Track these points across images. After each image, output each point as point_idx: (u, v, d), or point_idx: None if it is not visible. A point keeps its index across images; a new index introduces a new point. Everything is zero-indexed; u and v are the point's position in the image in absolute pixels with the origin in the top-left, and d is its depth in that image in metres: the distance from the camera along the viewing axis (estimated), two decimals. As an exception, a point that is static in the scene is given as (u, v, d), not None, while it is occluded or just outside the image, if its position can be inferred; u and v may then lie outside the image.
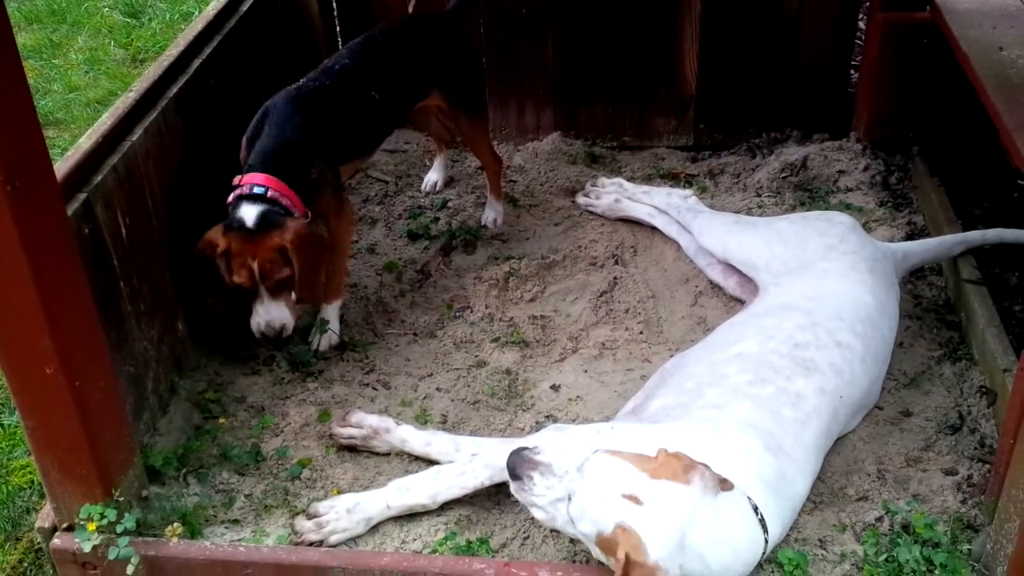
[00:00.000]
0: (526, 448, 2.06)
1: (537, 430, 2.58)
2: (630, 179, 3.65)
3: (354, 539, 2.31)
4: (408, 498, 2.33)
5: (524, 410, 2.70)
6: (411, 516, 2.34)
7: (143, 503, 2.28)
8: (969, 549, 2.20)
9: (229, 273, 2.59)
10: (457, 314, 3.07)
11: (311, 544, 2.27)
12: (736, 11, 3.62)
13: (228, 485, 2.45)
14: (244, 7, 3.25)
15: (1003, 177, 3.17)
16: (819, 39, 3.65)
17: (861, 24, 3.91)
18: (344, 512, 2.31)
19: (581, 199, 3.50)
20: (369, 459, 2.53)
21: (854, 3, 3.68)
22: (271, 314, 2.67)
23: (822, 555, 2.22)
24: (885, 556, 2.19)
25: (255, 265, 2.57)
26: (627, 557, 1.83)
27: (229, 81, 3.05)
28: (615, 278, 3.14)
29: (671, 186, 3.56)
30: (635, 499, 1.87)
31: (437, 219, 3.49)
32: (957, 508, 2.32)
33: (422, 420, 2.65)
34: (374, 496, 2.34)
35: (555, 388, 2.76)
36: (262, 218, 2.57)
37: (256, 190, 2.60)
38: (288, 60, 3.54)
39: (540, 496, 2.01)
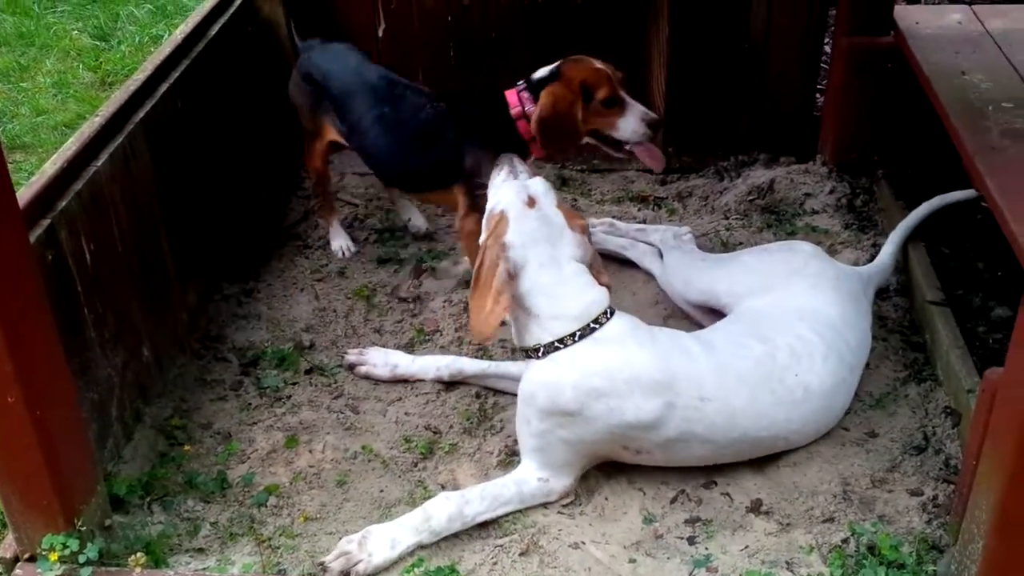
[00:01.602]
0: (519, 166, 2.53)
1: (506, 454, 2.59)
2: (599, 202, 3.68)
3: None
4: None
5: (493, 433, 2.70)
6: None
7: (106, 532, 2.26)
8: (934, 570, 2.21)
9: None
10: (427, 338, 3.06)
11: None
12: (703, 36, 3.66)
13: (193, 513, 2.43)
14: (213, 31, 3.25)
15: (966, 200, 3.21)
16: (785, 64, 3.70)
17: (827, 48, 3.96)
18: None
19: None
20: (338, 486, 2.52)
21: (819, 28, 3.73)
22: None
23: (789, 577, 2.23)
24: (851, 578, 2.21)
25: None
26: (496, 226, 2.39)
27: (197, 105, 3.05)
28: (584, 300, 3.14)
29: (639, 210, 3.58)
30: (530, 203, 2.39)
31: (407, 244, 3.49)
32: (923, 529, 2.34)
33: (403, 448, 2.64)
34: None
35: (524, 411, 2.76)
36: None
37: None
38: (258, 83, 3.54)
39: (497, 179, 2.52)
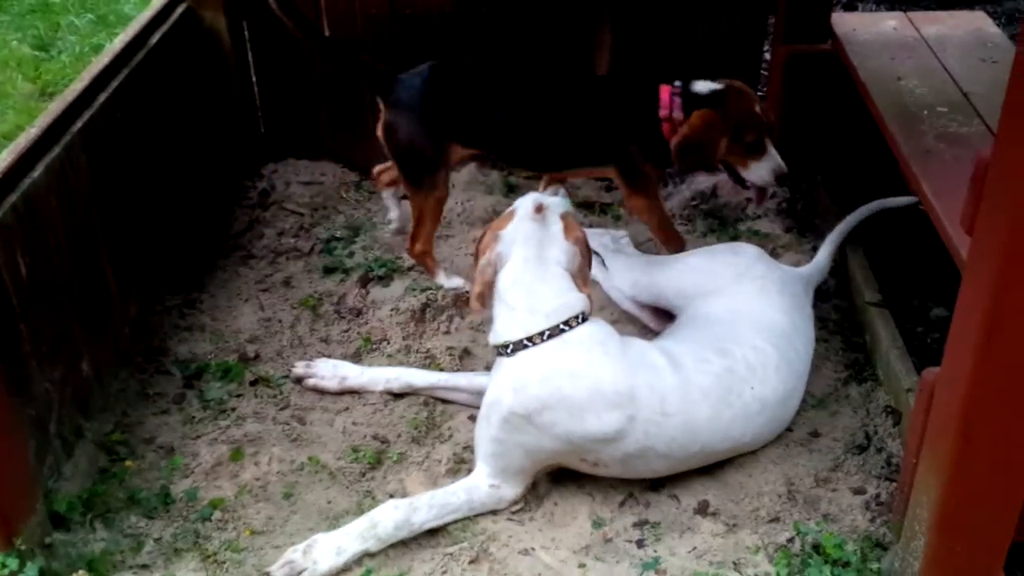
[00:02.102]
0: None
1: (455, 462, 2.58)
2: (546, 209, 3.69)
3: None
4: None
5: (442, 442, 2.69)
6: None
7: (47, 551, 2.21)
8: (878, 568, 2.25)
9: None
10: (374, 347, 3.05)
11: None
12: (645, 43, 3.69)
13: (136, 529, 2.39)
14: (153, 40, 3.21)
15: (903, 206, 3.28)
16: (725, 70, 3.73)
17: (766, 56, 4.02)
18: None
19: None
20: (284, 499, 2.49)
21: (758, 35, 3.78)
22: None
23: (736, 578, 2.25)
24: (797, 577, 2.23)
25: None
26: (501, 220, 2.55)
27: (138, 115, 3.01)
28: (532, 307, 3.15)
29: (585, 215, 3.60)
30: (538, 209, 2.49)
31: (353, 252, 3.47)
32: (866, 527, 2.37)
33: (350, 458, 2.62)
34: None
35: (473, 418, 2.75)
36: None
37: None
38: (200, 93, 3.50)
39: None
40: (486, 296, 2.49)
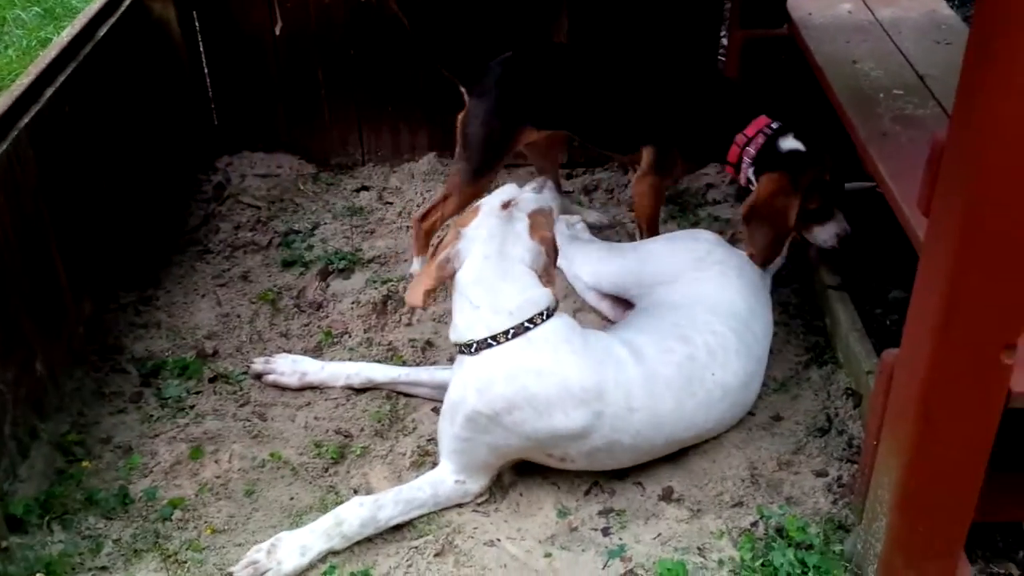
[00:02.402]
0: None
1: (419, 454, 2.57)
2: (506, 197, 3.67)
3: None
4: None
5: (405, 434, 2.67)
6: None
7: (3, 554, 2.17)
8: (841, 550, 2.26)
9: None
10: (335, 340, 3.02)
11: None
12: (603, 31, 3.68)
13: (95, 530, 2.35)
14: (101, 32, 3.14)
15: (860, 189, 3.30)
16: (683, 56, 3.73)
17: (724, 41, 4.03)
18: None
19: None
20: (246, 496, 2.46)
21: (715, 21, 3.78)
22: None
23: (701, 563, 2.26)
24: (761, 561, 2.24)
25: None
26: (465, 215, 2.51)
27: (87, 109, 2.94)
28: (494, 297, 3.13)
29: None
30: (504, 206, 2.44)
31: (312, 246, 3.43)
32: (828, 509, 2.39)
33: (313, 453, 2.59)
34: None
35: (437, 410, 2.73)
36: None
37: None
38: (151, 85, 3.44)
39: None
40: (434, 293, 2.44)
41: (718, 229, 3.32)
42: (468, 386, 2.35)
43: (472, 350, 2.36)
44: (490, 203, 2.49)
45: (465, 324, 2.39)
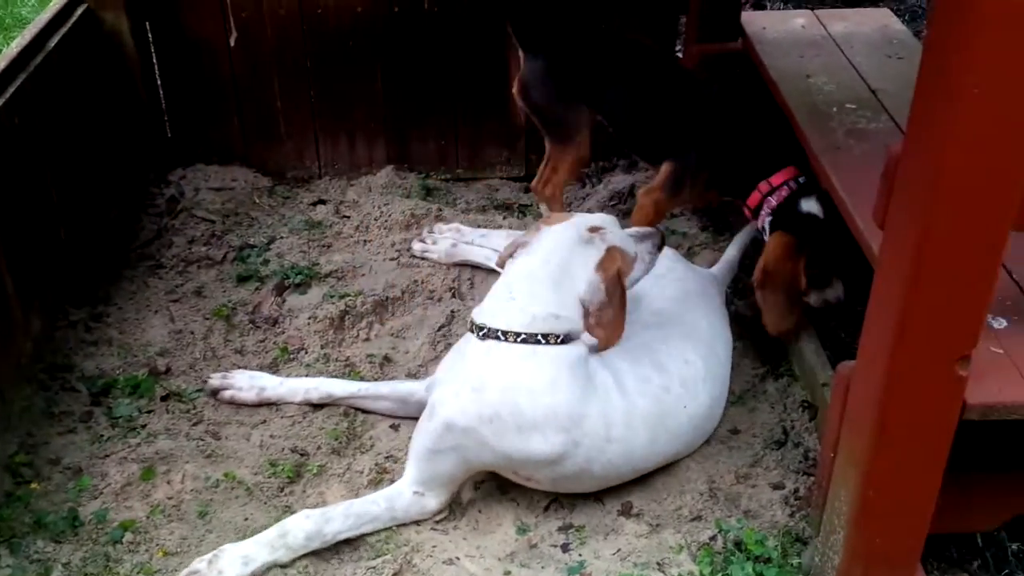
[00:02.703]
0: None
1: (377, 472, 2.53)
2: (465, 211, 3.66)
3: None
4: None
5: (363, 452, 2.64)
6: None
7: (-54, 582, 2.11)
8: (799, 563, 2.27)
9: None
10: (292, 356, 2.98)
11: None
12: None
13: (43, 554, 2.29)
14: (51, 43, 3.08)
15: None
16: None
17: (679, 55, 4.05)
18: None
19: (417, 246, 3.39)
20: (199, 517, 2.41)
21: (670, 35, 3.81)
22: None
23: (661, 578, 2.25)
24: (720, 574, 2.24)
25: None
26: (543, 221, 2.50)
27: (36, 121, 2.89)
28: (453, 311, 3.11)
29: (504, 218, 3.58)
30: (593, 229, 2.45)
31: (268, 260, 3.38)
32: (786, 522, 2.39)
33: (268, 473, 2.55)
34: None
35: (395, 427, 2.71)
36: None
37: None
38: (102, 97, 3.39)
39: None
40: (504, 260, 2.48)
41: (675, 243, 3.33)
42: (463, 382, 2.32)
43: (481, 334, 2.34)
44: (582, 219, 2.49)
45: (492, 309, 2.38)
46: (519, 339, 2.32)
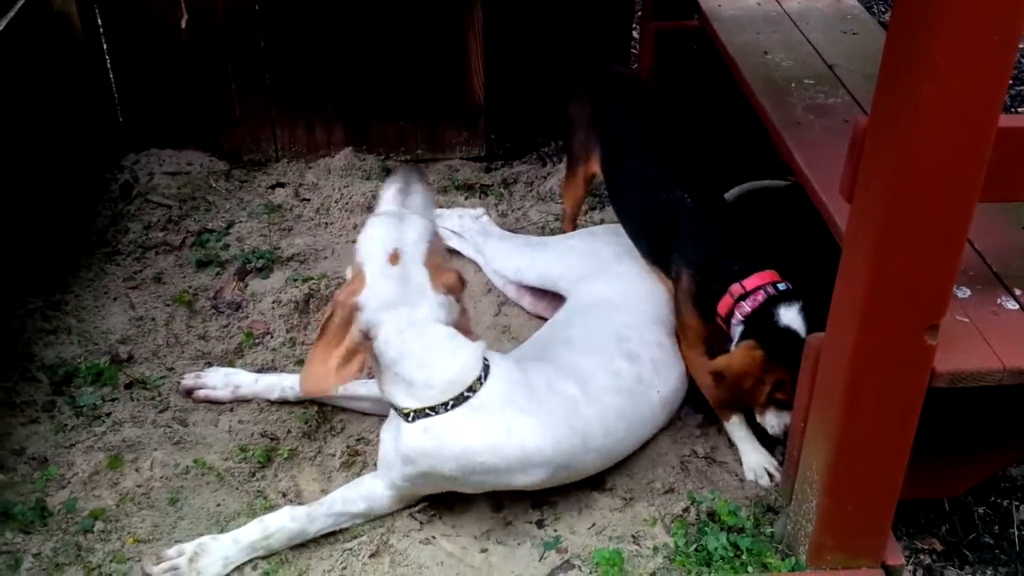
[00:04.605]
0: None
1: (349, 455, 2.52)
2: (425, 192, 3.63)
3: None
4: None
5: (334, 435, 2.63)
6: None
7: (-88, 578, 2.06)
8: (772, 532, 2.30)
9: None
10: (257, 341, 2.94)
11: None
12: (516, 24, 3.68)
13: (13, 545, 2.25)
14: (-2, 27, 3.01)
15: (775, 175, 3.37)
16: (596, 48, 3.76)
17: (636, 34, 4.06)
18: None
19: None
20: (170, 504, 2.39)
21: (627, 14, 3.81)
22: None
23: (636, 550, 2.28)
24: (695, 546, 2.27)
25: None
26: (352, 281, 2.21)
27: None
28: (416, 293, 3.10)
29: (465, 198, 3.57)
30: (393, 258, 2.19)
31: (228, 245, 3.34)
32: (757, 492, 2.43)
33: (238, 458, 2.52)
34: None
35: (366, 412, 2.70)
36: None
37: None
38: (51, 81, 3.31)
39: (384, 197, 2.40)
40: (358, 371, 2.16)
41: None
42: (416, 452, 2.21)
43: (409, 419, 2.21)
44: (374, 258, 2.20)
45: (398, 395, 2.22)
46: (449, 407, 2.19)
